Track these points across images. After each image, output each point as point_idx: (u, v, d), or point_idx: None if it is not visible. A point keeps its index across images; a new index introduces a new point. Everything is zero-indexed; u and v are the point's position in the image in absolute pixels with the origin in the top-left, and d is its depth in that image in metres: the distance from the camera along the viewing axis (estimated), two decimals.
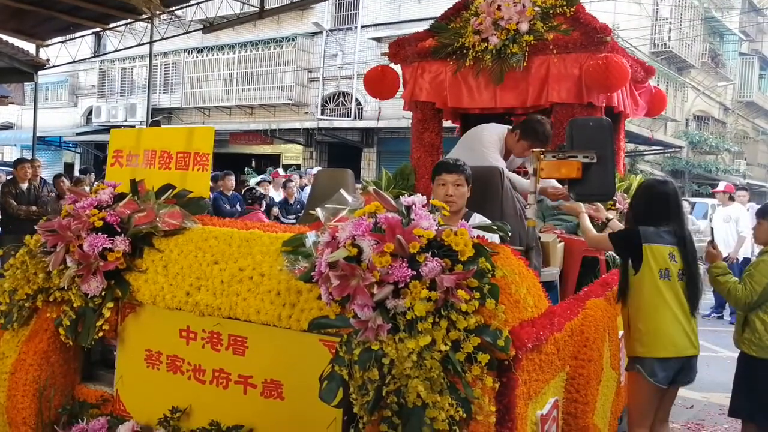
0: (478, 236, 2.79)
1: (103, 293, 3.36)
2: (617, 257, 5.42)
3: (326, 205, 3.00)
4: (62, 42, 15.77)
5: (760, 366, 4.57)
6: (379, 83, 7.02)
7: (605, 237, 4.40)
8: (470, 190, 3.97)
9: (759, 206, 6.11)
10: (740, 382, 4.73)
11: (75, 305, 3.36)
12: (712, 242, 4.65)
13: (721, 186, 12.03)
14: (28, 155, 16.48)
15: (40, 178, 10.07)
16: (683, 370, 4.11)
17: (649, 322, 4.05)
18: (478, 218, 3.84)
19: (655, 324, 4.04)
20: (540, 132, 5.23)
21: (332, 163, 22.45)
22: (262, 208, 9.56)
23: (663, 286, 4.03)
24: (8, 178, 9.71)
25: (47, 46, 15.34)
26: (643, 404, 4.13)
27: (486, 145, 5.32)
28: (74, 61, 16.90)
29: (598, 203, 4.96)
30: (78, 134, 27.95)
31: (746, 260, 10.25)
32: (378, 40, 20.64)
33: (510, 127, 5.61)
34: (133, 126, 22.39)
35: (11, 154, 29.29)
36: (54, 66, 16.15)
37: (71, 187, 7.53)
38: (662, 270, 4.03)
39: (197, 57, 24.73)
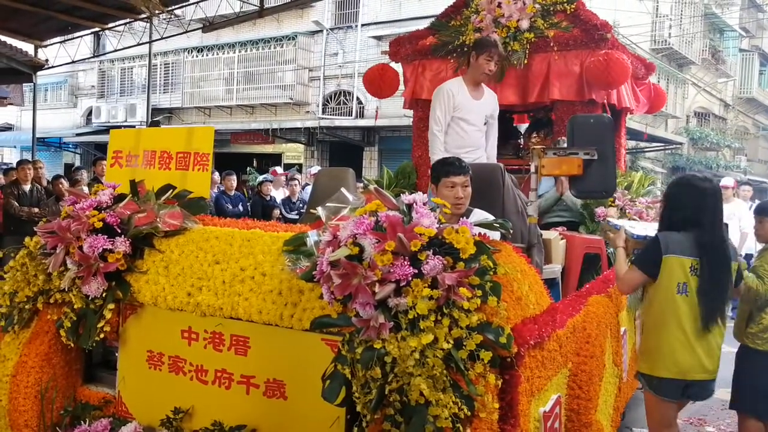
0: (480, 234, 2.78)
1: (103, 294, 3.35)
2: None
3: (327, 204, 2.99)
4: (61, 42, 15.77)
5: (764, 359, 4.57)
6: (378, 82, 7.04)
7: (635, 274, 3.95)
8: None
9: (759, 203, 6.09)
10: (741, 376, 4.72)
11: (76, 307, 3.36)
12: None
13: (729, 182, 11.91)
14: (28, 156, 16.46)
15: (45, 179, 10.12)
16: (691, 387, 3.89)
17: (657, 338, 3.83)
18: (477, 214, 3.82)
19: (660, 341, 3.81)
20: (485, 40, 5.31)
21: (334, 162, 22.42)
22: None
23: (679, 300, 3.76)
24: (12, 179, 9.70)
25: (46, 46, 15.35)
26: (656, 418, 3.97)
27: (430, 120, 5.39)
28: (73, 62, 16.89)
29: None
30: (78, 135, 27.91)
31: (749, 256, 10.24)
32: (379, 38, 20.61)
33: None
34: (133, 126, 22.38)
35: (11, 156, 29.29)
36: (53, 66, 16.15)
37: (70, 188, 7.52)
38: (680, 284, 3.76)
39: (197, 56, 24.70)
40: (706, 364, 3.81)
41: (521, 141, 7.41)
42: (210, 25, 14.22)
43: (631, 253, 4.23)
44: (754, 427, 4.61)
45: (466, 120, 5.26)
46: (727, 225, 4.04)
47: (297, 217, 10.92)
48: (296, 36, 22.36)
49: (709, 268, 3.76)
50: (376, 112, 19.54)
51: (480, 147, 5.35)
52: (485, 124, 5.37)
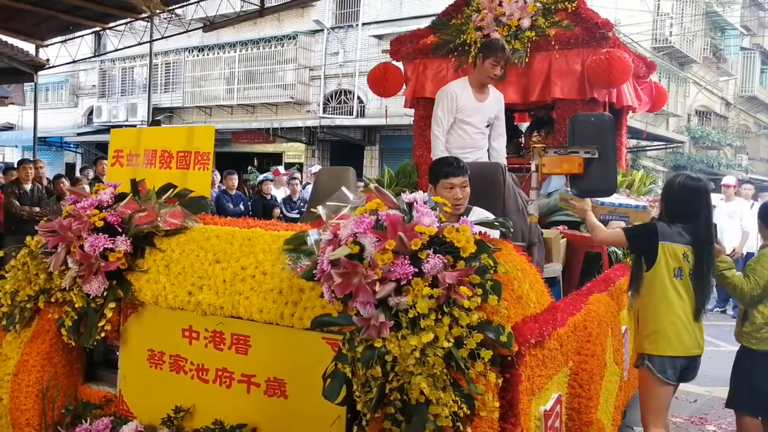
0: (480, 232, 2.78)
1: (104, 293, 3.35)
2: (620, 252, 5.43)
3: (328, 203, 2.99)
4: (62, 42, 15.78)
5: (760, 358, 4.58)
6: (381, 81, 7.03)
7: (618, 232, 4.31)
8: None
9: (762, 203, 6.09)
10: (738, 375, 4.74)
11: (77, 306, 3.36)
12: (715, 237, 4.62)
13: (731, 181, 11.91)
14: (29, 156, 16.47)
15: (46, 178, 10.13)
16: (689, 368, 4.14)
17: (660, 320, 4.05)
18: (477, 212, 3.81)
19: (664, 322, 4.04)
20: (494, 45, 5.24)
21: (335, 161, 22.38)
22: None
23: (677, 283, 4.03)
24: (13, 178, 9.71)
25: (47, 46, 15.35)
26: (656, 402, 4.11)
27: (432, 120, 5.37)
28: (74, 61, 16.88)
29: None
30: (79, 134, 27.89)
31: (749, 254, 10.23)
32: (379, 37, 20.58)
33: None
34: (134, 126, 22.34)
35: (12, 155, 29.28)
36: (54, 66, 16.15)
37: (71, 187, 7.53)
38: (676, 269, 4.02)
39: (198, 56, 24.68)
40: (699, 340, 4.11)
41: (522, 140, 7.41)
42: (211, 24, 14.22)
43: (598, 218, 4.65)
44: (752, 425, 4.63)
45: (468, 122, 5.26)
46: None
47: (298, 216, 10.91)
48: (297, 35, 22.34)
49: (702, 256, 4.06)
50: (386, 111, 19.52)
51: (481, 148, 5.35)
52: (488, 126, 5.36)
